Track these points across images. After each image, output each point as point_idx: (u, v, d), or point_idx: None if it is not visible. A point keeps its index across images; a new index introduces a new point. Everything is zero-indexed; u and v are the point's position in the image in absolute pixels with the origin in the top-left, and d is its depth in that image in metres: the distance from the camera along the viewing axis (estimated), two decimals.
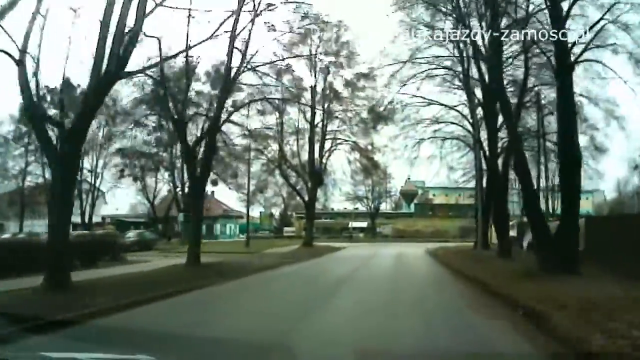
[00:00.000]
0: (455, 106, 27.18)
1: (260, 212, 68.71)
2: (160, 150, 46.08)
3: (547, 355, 5.63)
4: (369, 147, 33.28)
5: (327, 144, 33.81)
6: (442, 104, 27.00)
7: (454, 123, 27.44)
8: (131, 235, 36.64)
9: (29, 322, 6.11)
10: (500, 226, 19.43)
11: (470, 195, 71.02)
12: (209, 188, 59.66)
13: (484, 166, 21.98)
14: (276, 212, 70.46)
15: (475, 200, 25.26)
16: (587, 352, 5.02)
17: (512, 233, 26.78)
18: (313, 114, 33.32)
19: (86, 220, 46.31)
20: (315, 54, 32.92)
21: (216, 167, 43.67)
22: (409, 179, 77.57)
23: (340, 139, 33.65)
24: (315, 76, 32.93)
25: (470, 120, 25.96)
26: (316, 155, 33.29)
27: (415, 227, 65.91)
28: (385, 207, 77.03)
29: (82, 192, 47.45)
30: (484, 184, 22.96)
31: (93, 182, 48.15)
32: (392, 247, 38.60)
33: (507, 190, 21.04)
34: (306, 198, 34.53)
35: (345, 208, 71.20)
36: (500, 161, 21.81)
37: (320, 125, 33.65)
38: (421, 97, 26.32)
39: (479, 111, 24.33)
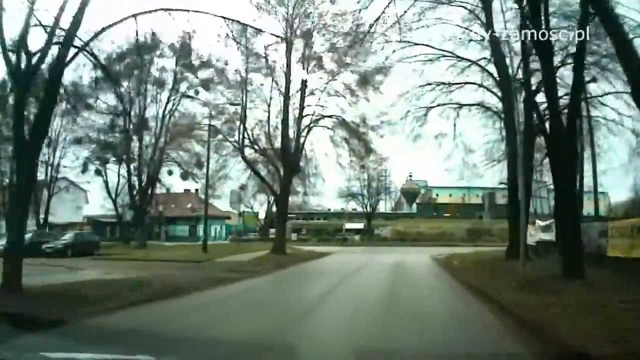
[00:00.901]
0: (477, 60, 19.58)
1: (244, 212, 60.86)
2: (119, 138, 39.03)
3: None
4: (360, 124, 25.62)
5: (307, 122, 26.09)
6: (458, 57, 19.41)
7: (472, 83, 19.77)
8: (67, 237, 30.36)
9: None
10: (568, 226, 11.32)
11: (477, 194, 64.71)
12: (189, 185, 52.77)
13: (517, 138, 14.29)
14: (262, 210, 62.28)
15: (509, 184, 17.78)
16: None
17: (548, 237, 19.24)
18: (288, 82, 25.74)
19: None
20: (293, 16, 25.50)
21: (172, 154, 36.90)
22: (410, 176, 70.72)
23: (323, 115, 25.88)
24: (291, 33, 25.36)
25: (497, 78, 18.39)
26: (292, 135, 25.69)
27: (417, 228, 58.39)
28: (385, 206, 69.73)
29: (36, 189, 40.12)
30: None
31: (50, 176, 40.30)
32: (390, 253, 31.13)
33: (575, 167, 13.21)
34: (278, 190, 26.66)
35: (342, 208, 63.63)
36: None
37: (298, 97, 25.96)
38: (429, 46, 18.73)
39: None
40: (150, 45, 37.20)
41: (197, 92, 34.62)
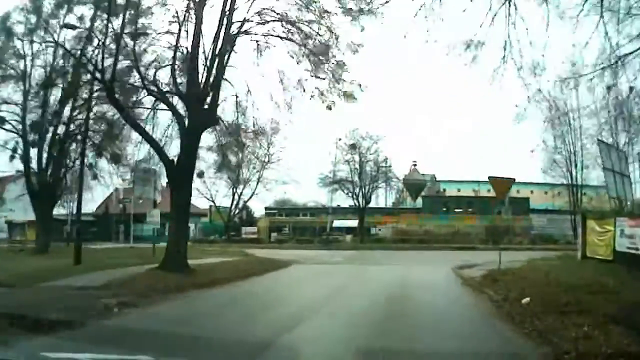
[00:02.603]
0: None
1: (210, 206, 49.85)
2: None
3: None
4: (323, 37, 14.01)
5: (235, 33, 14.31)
6: None
7: None
8: None
9: None
10: None
11: (488, 189, 54.55)
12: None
13: None
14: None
15: None
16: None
17: None
18: None
19: None
20: None
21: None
22: (414, 165, 59.91)
23: (259, 21, 14.04)
24: None
25: None
26: (205, 58, 14.12)
27: (424, 227, 48.18)
28: (385, 200, 58.85)
29: None
30: None
31: None
32: (386, 264, 20.19)
33: None
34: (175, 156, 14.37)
35: (338, 205, 52.58)
36: None
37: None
38: None
39: None
40: None
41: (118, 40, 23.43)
